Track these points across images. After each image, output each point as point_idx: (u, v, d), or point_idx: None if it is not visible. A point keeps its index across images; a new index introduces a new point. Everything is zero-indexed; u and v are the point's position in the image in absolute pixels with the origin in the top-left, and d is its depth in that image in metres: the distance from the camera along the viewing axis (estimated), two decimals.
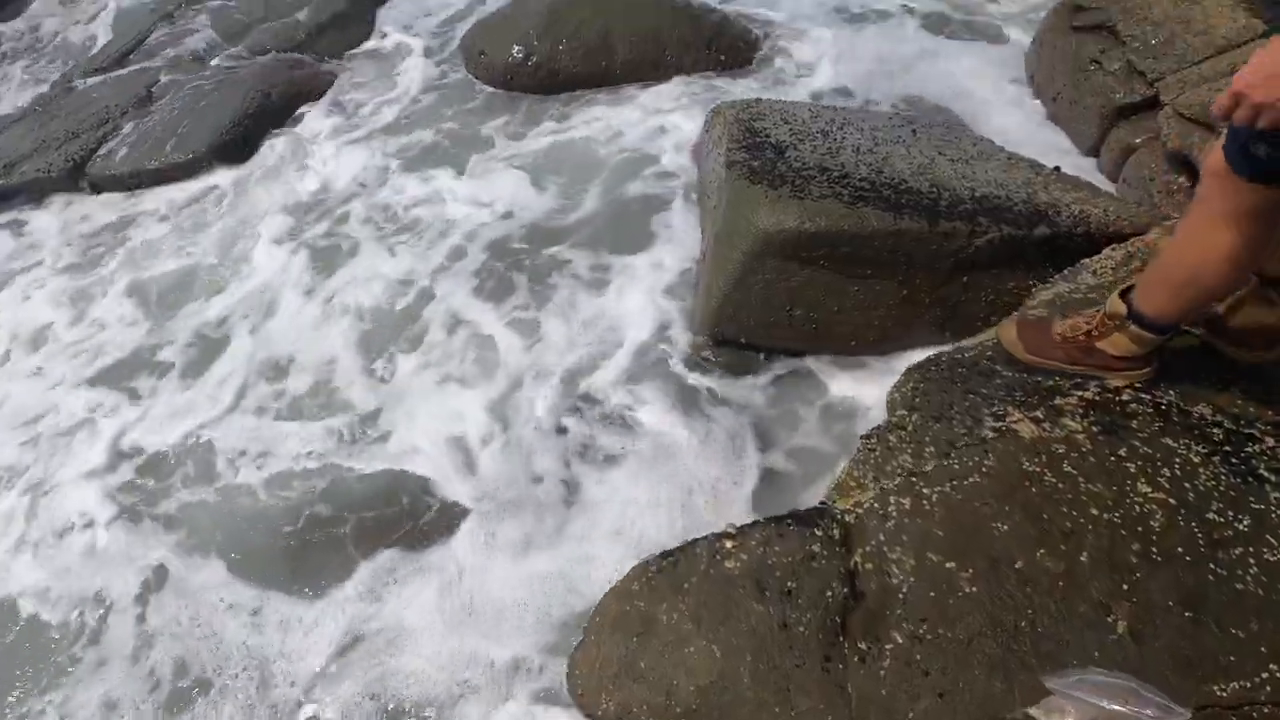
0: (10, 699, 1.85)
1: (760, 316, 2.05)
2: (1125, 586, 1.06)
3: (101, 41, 4.69)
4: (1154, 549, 1.08)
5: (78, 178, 3.50)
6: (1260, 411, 1.27)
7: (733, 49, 3.38)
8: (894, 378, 2.06)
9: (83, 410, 2.52)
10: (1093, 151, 2.58)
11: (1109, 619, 1.06)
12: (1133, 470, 1.19)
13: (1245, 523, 1.11)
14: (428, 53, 3.86)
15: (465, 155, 3.24)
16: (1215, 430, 1.24)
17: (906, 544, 1.18)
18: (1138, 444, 1.23)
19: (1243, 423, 1.26)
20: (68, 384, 2.63)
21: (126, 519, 2.18)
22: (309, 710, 1.70)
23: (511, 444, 2.18)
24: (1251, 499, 1.15)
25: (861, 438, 1.45)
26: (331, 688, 1.72)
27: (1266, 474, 1.18)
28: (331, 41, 4.07)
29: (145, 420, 2.45)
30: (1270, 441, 1.23)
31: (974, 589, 1.12)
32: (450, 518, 2.02)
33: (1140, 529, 1.11)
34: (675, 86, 3.31)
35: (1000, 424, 1.32)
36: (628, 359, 2.33)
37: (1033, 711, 1.03)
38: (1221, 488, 1.14)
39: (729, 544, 1.26)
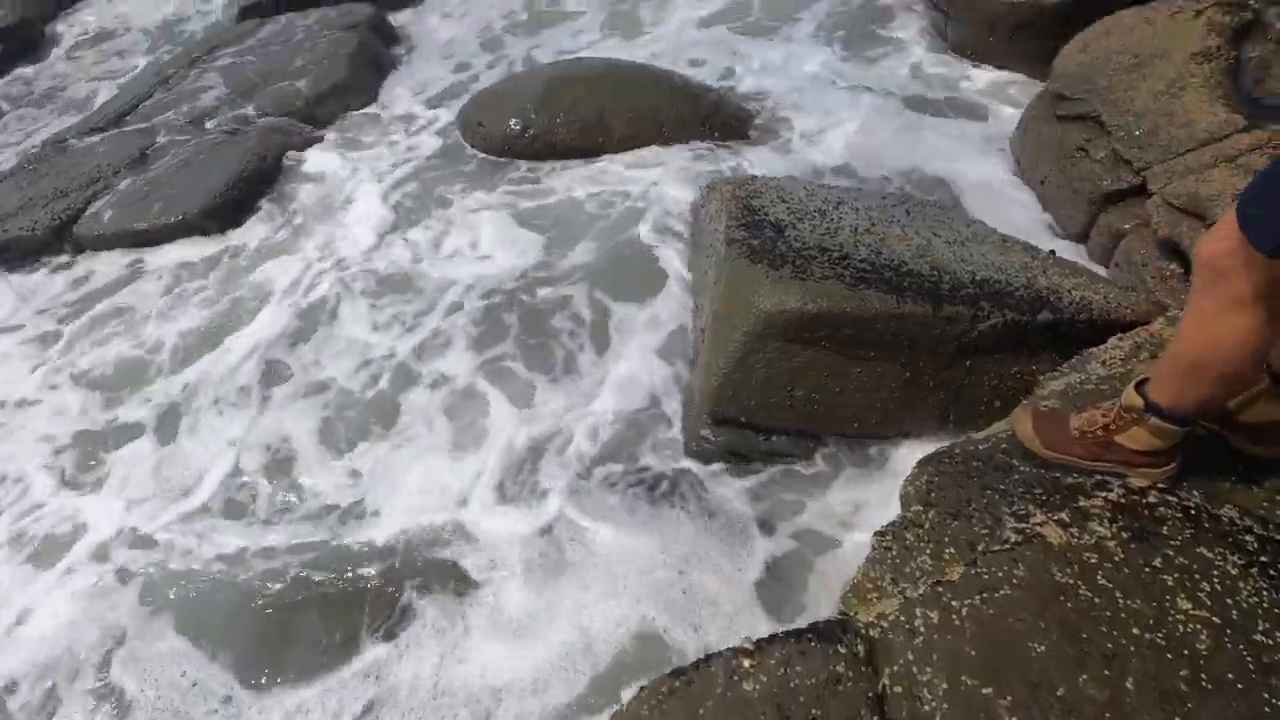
0: None
1: (761, 397, 2.00)
2: (1176, 718, 0.98)
3: (105, 98, 4.73)
4: (1203, 675, 1.01)
5: (63, 237, 3.44)
6: None
7: (728, 126, 3.45)
8: (898, 461, 2.04)
9: (44, 490, 2.38)
10: (1081, 236, 2.62)
11: None
12: (1170, 584, 1.13)
13: None
14: (426, 122, 3.91)
15: (457, 217, 3.25)
16: (1248, 538, 1.20)
17: (937, 664, 1.10)
18: (1171, 553, 1.17)
19: (1272, 526, 1.21)
20: (24, 459, 2.49)
21: (91, 602, 2.03)
22: None
23: (499, 519, 2.09)
24: None
25: (876, 534, 1.38)
26: None
27: None
28: (331, 109, 4.12)
29: (117, 500, 2.32)
30: None
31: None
32: (437, 599, 1.91)
33: (1186, 652, 1.04)
34: (672, 156, 3.36)
35: (1024, 525, 1.26)
36: (625, 434, 2.27)
37: None
38: (1265, 604, 1.08)
39: (747, 663, 1.16)
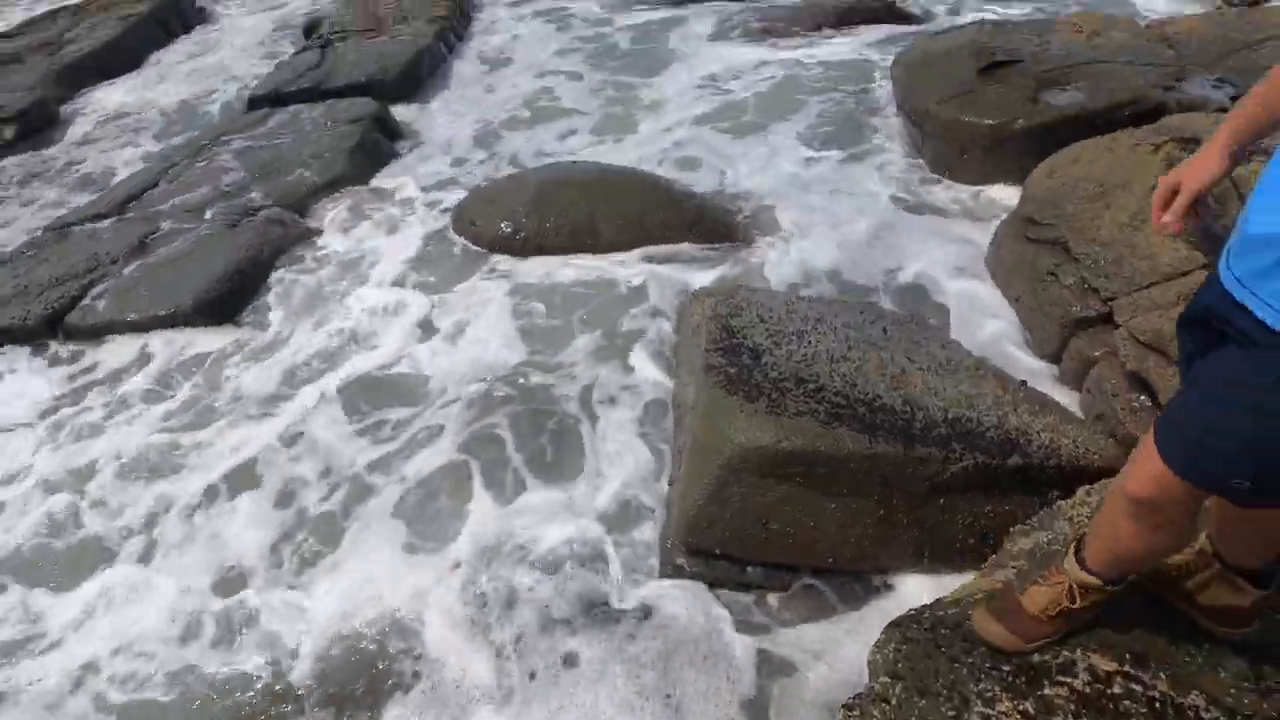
0: None
1: (736, 529, 2.00)
2: None
3: (115, 180, 4.85)
4: None
5: (55, 326, 3.47)
6: (1255, 704, 1.21)
7: (714, 231, 3.56)
8: (874, 597, 2.02)
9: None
10: (1054, 358, 2.67)
11: None
12: None
13: None
14: (421, 218, 4.02)
15: (445, 314, 3.31)
16: None
17: None
18: None
19: (1239, 718, 1.20)
20: None
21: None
22: None
23: (465, 636, 2.05)
24: None
25: (843, 707, 1.36)
26: None
27: None
28: (330, 201, 4.24)
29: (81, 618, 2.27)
30: None
31: None
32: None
33: None
34: (657, 261, 3.44)
35: (989, 711, 1.24)
36: (599, 550, 2.25)
37: None
38: None
39: None
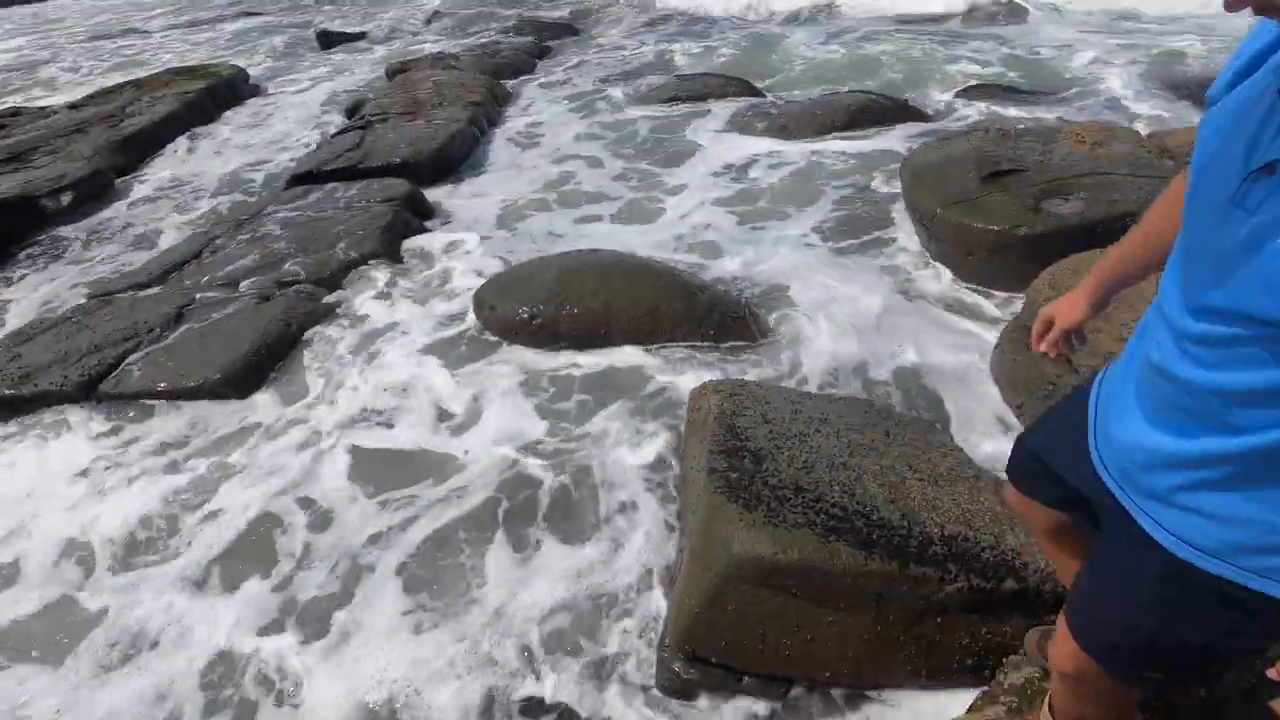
0: None
1: (733, 639, 2.00)
2: None
3: (161, 250, 5.12)
4: None
5: (88, 393, 3.62)
6: None
7: (723, 324, 3.66)
8: (870, 712, 2.00)
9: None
10: None
11: None
12: None
13: None
14: (444, 299, 4.19)
15: (459, 396, 3.40)
16: None
17: None
18: None
19: None
20: None
21: None
22: None
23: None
24: None
25: None
26: None
27: None
28: (358, 279, 4.43)
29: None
30: None
31: None
32: None
33: None
34: (668, 353, 3.55)
35: None
36: (597, 650, 2.26)
37: None
38: None
39: None
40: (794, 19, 10.69)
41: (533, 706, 2.13)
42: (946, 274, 3.93)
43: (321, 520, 2.83)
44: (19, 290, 4.91)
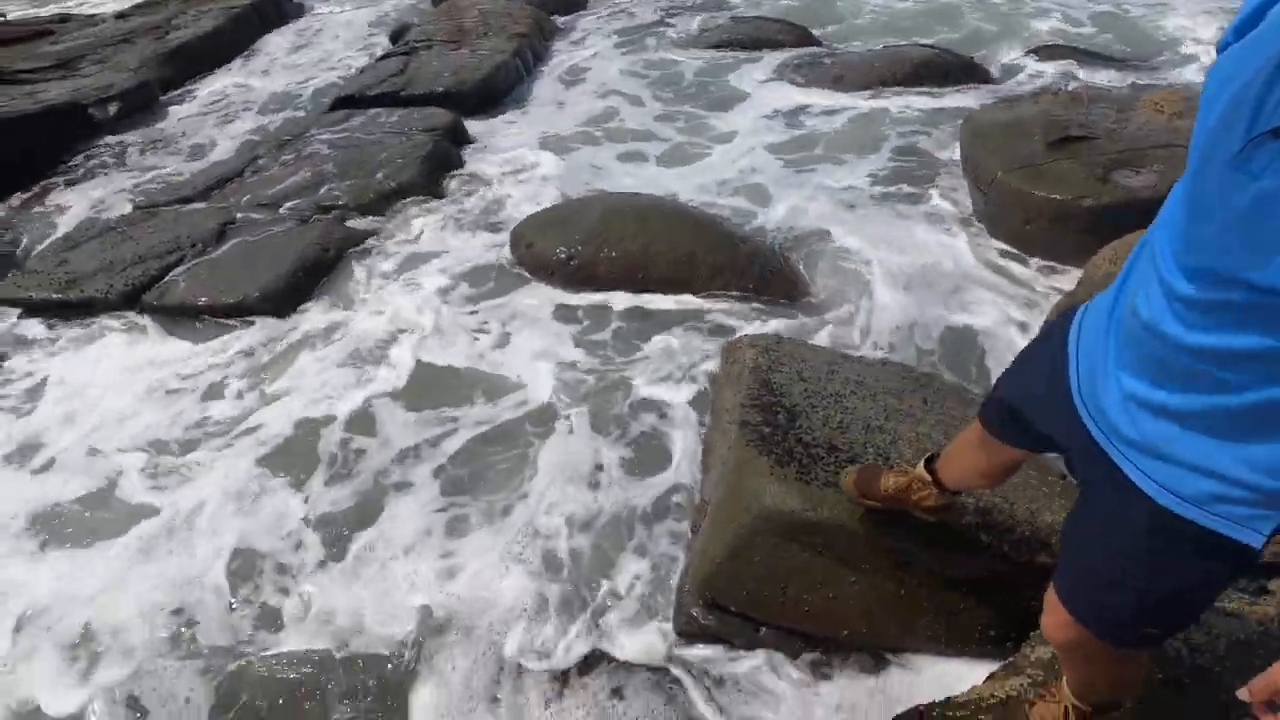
0: None
1: (754, 590, 2.01)
2: None
3: (203, 166, 5.14)
4: None
5: (133, 302, 3.69)
6: None
7: (763, 277, 3.58)
8: (885, 675, 2.00)
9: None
10: None
11: None
12: None
13: None
14: (481, 231, 4.15)
15: (488, 330, 3.40)
16: None
17: None
18: None
19: None
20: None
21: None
22: None
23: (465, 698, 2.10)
24: None
25: None
26: None
27: None
28: (397, 206, 4.40)
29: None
30: None
31: None
32: None
33: None
34: (705, 303, 3.49)
35: None
36: (613, 593, 2.29)
37: None
38: None
39: None
40: None
41: (546, 622, 2.17)
42: (999, 242, 3.77)
43: (358, 429, 2.91)
44: (66, 197, 4.97)
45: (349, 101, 5.63)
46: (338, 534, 2.51)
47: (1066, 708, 1.32)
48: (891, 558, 1.89)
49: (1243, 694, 0.90)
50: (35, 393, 3.26)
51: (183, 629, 2.25)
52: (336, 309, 3.64)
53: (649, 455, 2.73)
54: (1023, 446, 1.40)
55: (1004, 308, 3.43)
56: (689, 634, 2.12)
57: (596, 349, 3.27)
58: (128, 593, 2.36)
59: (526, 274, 3.76)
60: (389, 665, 2.12)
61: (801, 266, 3.73)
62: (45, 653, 2.22)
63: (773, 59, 6.29)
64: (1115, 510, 1.05)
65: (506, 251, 3.93)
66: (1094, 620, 1.12)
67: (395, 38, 7.37)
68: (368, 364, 3.25)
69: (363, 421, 2.95)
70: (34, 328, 3.63)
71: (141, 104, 6.17)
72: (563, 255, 3.65)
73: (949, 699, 1.56)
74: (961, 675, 1.94)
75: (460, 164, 4.91)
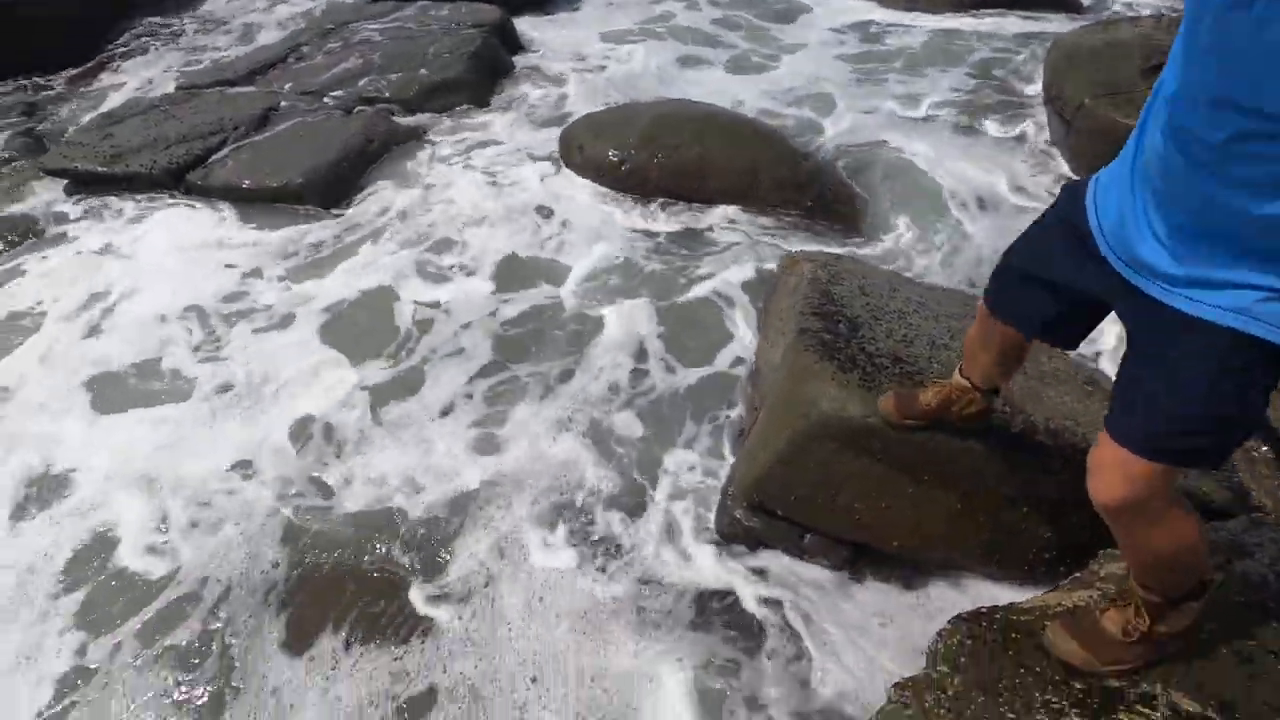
0: None
1: (803, 495, 1.96)
2: None
3: (247, 49, 5.00)
4: None
5: (177, 181, 3.64)
6: None
7: (823, 197, 3.42)
8: (932, 589, 1.97)
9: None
10: None
11: None
12: None
13: None
14: (528, 133, 4.01)
15: (536, 234, 3.32)
16: None
17: None
18: None
19: None
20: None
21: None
22: None
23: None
24: None
25: (895, 685, 1.34)
26: None
27: None
28: (442, 103, 4.25)
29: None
30: None
31: None
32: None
33: None
34: (762, 218, 3.34)
35: None
36: (660, 493, 2.27)
37: None
38: None
39: None
40: None
41: (587, 511, 2.17)
42: (1080, 173, 3.54)
43: (409, 308, 2.92)
44: (113, 77, 4.90)
45: None
46: (393, 400, 2.53)
47: (1136, 605, 1.27)
48: (955, 469, 1.82)
49: None
50: (94, 263, 3.26)
51: (247, 485, 2.29)
52: (383, 197, 3.57)
53: (702, 347, 2.71)
54: (1017, 318, 1.44)
55: None
56: (731, 535, 2.10)
57: (649, 249, 3.18)
58: (194, 452, 2.40)
59: (579, 176, 3.63)
60: (443, 521, 2.16)
61: (867, 187, 3.55)
62: (119, 500, 2.28)
63: None
64: (1184, 348, 1.07)
65: (557, 153, 3.79)
66: (1146, 444, 1.11)
67: None
68: (417, 248, 3.21)
69: (411, 300, 2.95)
70: (85, 201, 3.62)
71: None
72: (615, 159, 3.50)
73: (1012, 604, 1.52)
74: (1008, 596, 1.89)
75: (508, 62, 4.71)
